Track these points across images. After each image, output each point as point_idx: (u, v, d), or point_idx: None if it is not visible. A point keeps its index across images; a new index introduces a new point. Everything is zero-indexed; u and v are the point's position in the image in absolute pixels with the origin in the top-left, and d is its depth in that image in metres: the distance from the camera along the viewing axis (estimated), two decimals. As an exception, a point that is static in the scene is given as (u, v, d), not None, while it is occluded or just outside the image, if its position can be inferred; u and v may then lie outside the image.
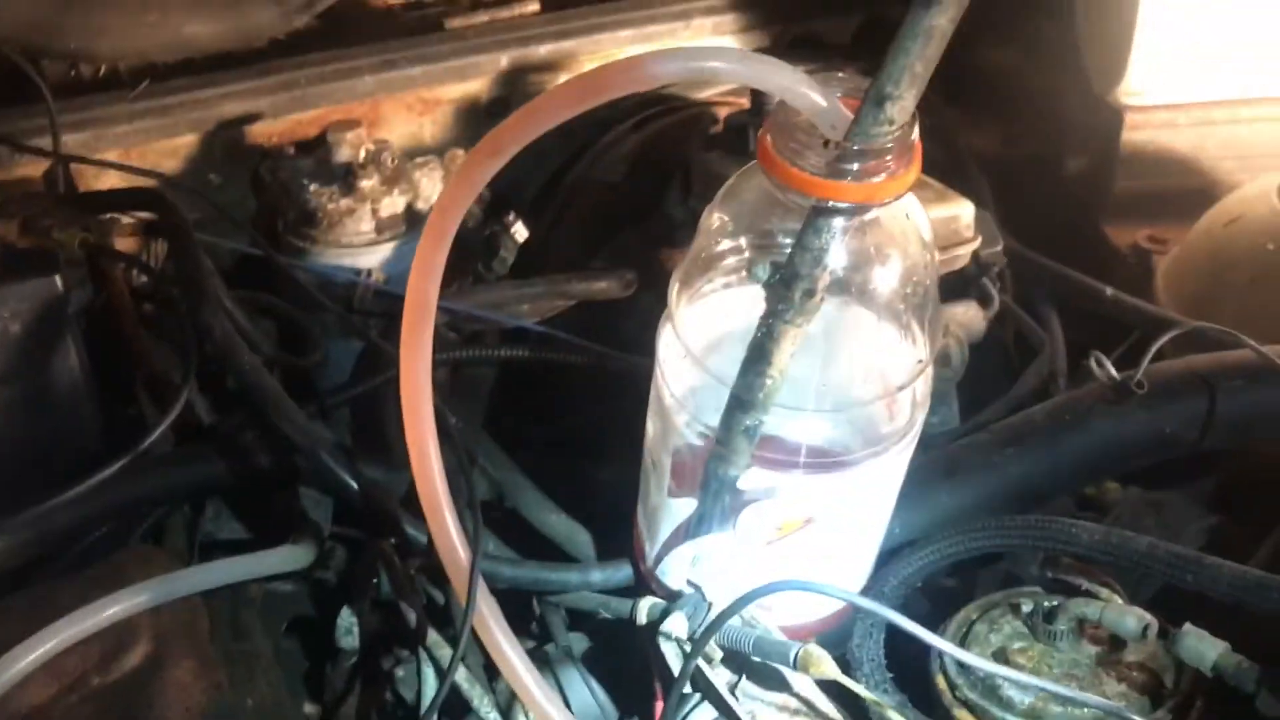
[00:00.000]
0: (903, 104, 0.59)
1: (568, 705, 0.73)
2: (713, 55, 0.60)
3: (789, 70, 0.60)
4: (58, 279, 0.89)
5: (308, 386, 1.02)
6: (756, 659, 0.69)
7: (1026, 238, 1.22)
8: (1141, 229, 1.23)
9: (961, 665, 0.75)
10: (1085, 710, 0.71)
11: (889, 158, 0.61)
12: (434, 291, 0.66)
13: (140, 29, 1.25)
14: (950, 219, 1.03)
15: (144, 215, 1.07)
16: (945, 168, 1.26)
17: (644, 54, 0.60)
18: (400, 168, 1.19)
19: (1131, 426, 0.90)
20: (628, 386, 0.83)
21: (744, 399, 0.67)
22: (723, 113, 1.16)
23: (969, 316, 1.05)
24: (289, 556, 0.87)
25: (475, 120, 1.37)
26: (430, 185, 1.20)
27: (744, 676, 0.70)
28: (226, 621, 0.86)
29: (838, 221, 0.62)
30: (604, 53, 1.41)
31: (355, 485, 0.87)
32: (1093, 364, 0.91)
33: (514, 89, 1.37)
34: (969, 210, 1.04)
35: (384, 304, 1.11)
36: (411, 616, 0.76)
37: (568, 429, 1.06)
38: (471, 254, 1.18)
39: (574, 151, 1.29)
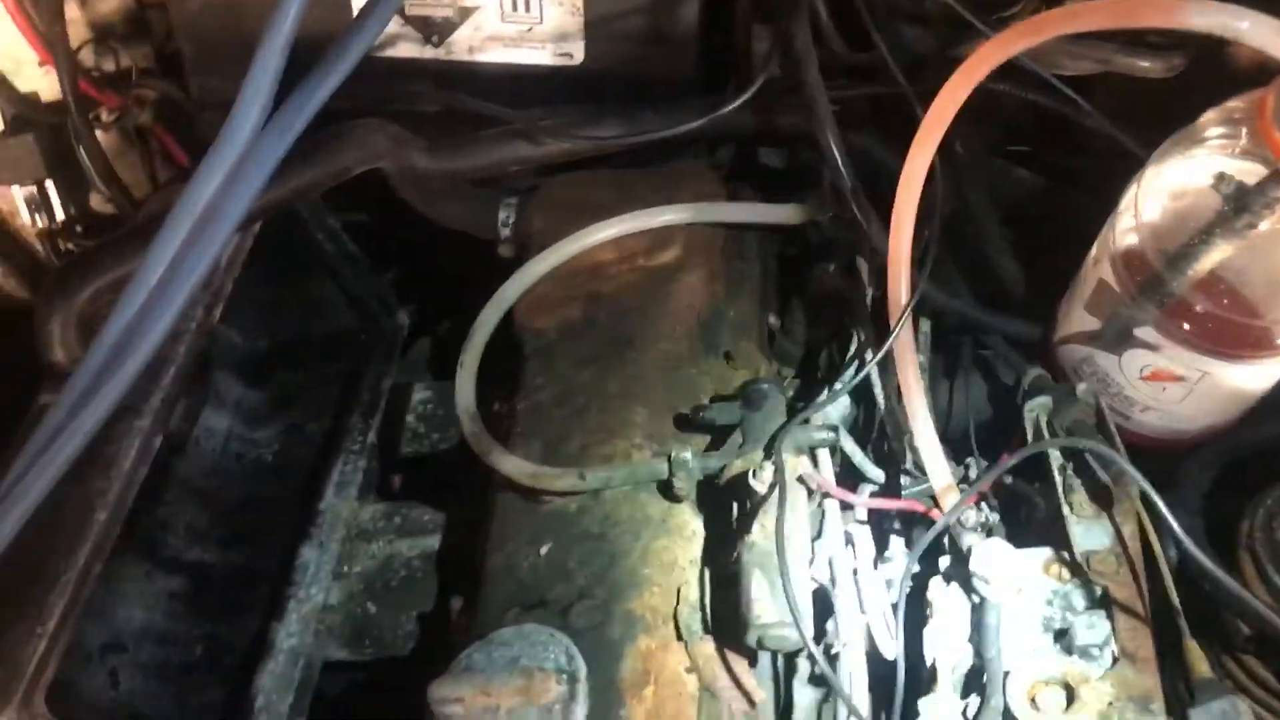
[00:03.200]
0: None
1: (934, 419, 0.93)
2: (1245, 16, 0.68)
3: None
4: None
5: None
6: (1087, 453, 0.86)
7: None
8: None
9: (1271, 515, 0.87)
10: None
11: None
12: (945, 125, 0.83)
13: None
14: None
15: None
16: None
17: (1186, -1, 0.70)
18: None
19: None
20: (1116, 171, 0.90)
21: (1166, 275, 0.80)
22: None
23: None
24: (794, 213, 1.11)
25: None
26: None
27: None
28: (735, 242, 1.11)
29: (1291, 185, 0.72)
30: None
31: (845, 173, 1.03)
32: None
33: None
34: None
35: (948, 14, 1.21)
36: (856, 306, 1.01)
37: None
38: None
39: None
